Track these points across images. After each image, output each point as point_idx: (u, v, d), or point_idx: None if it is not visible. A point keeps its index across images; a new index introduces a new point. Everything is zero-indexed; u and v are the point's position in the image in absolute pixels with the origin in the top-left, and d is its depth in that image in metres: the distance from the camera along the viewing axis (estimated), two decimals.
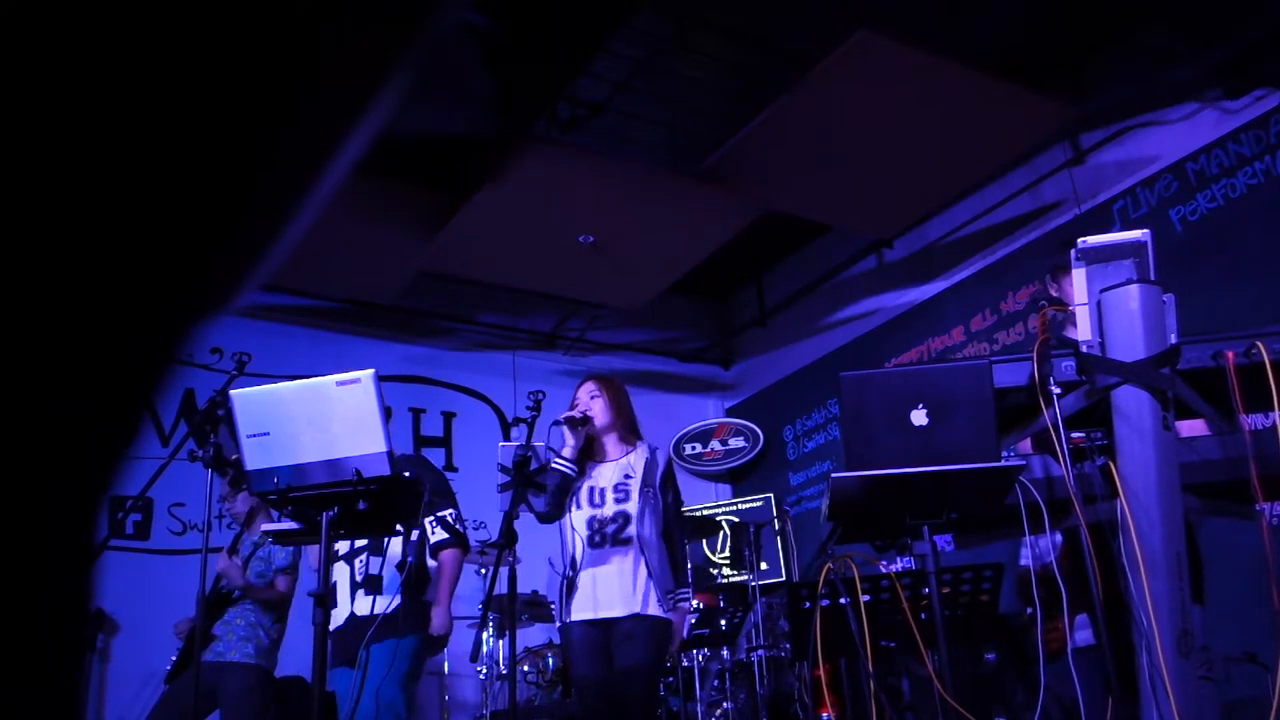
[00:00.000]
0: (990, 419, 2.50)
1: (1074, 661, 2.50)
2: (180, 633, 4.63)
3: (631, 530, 3.59)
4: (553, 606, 3.75)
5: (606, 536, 3.60)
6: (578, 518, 3.66)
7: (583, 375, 4.15)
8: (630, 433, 3.82)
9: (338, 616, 3.62)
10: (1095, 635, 2.88)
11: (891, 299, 7.04)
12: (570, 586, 3.61)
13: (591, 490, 3.69)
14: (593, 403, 3.77)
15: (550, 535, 3.97)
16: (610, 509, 3.63)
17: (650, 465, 3.74)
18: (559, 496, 3.66)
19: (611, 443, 3.78)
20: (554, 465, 3.66)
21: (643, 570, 3.56)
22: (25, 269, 0.38)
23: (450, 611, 3.95)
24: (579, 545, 3.62)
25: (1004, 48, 5.31)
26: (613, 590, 3.54)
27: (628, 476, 3.69)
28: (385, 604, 3.58)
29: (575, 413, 3.73)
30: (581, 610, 3.57)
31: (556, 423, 3.70)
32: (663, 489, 3.74)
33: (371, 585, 3.64)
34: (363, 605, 3.66)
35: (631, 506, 3.62)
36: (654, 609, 3.53)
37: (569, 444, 3.69)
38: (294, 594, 4.45)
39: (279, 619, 4.49)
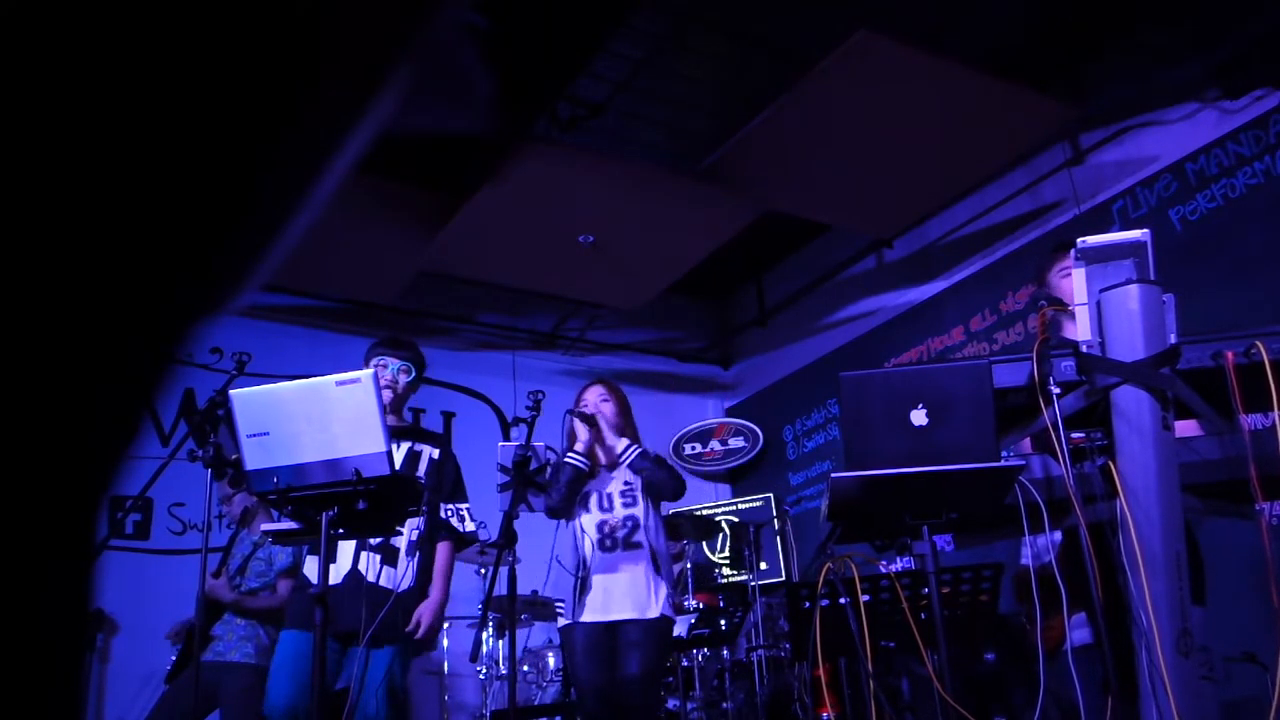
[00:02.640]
0: (990, 419, 2.50)
1: (1073, 660, 2.50)
2: (173, 638, 4.64)
3: (641, 535, 3.64)
4: (559, 605, 3.77)
5: (617, 541, 3.66)
6: (587, 521, 3.71)
7: (582, 375, 4.19)
8: (633, 439, 3.88)
9: (335, 573, 3.40)
10: (1094, 635, 2.88)
11: (891, 299, 7.04)
12: (584, 586, 3.65)
13: (600, 495, 3.74)
14: (603, 405, 3.83)
15: (551, 535, 3.98)
16: (619, 514, 3.69)
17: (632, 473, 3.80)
18: (571, 491, 3.70)
19: (617, 447, 3.83)
20: (567, 460, 3.71)
21: (651, 571, 3.60)
22: (26, 269, 0.38)
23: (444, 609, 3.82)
24: (589, 547, 3.67)
25: (1004, 48, 5.31)
26: (624, 594, 3.59)
27: (629, 482, 3.74)
28: (398, 578, 3.45)
29: (589, 410, 3.78)
30: (592, 612, 3.61)
31: (570, 413, 3.74)
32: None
33: (388, 555, 3.49)
34: (367, 567, 3.48)
35: (639, 511, 3.67)
36: (658, 608, 3.58)
37: (580, 439, 3.72)
38: None
39: (280, 618, 4.49)
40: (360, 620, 3.25)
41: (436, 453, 3.68)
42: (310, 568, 3.62)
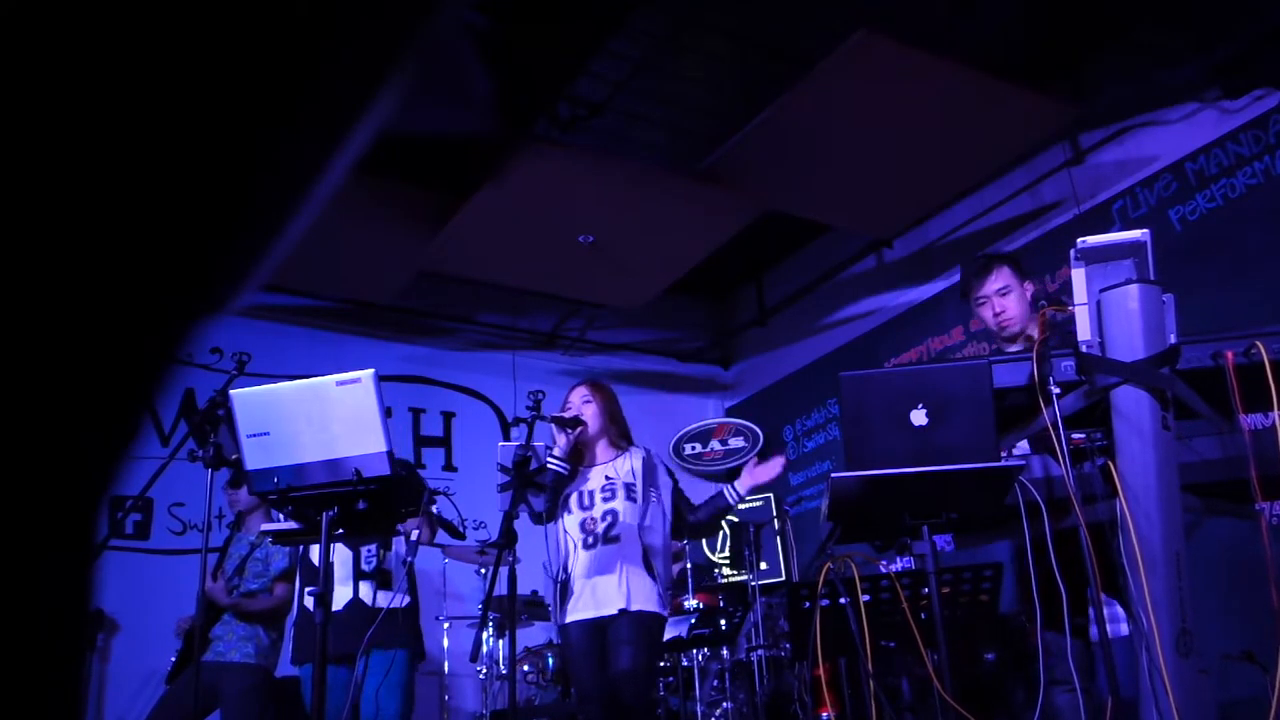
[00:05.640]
0: (990, 419, 2.50)
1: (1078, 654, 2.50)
2: (181, 631, 4.64)
3: (620, 529, 3.63)
4: (550, 607, 3.79)
5: (598, 537, 3.65)
6: (570, 522, 3.71)
7: (582, 375, 4.19)
8: (621, 438, 3.86)
9: (337, 600, 3.60)
10: (1100, 633, 2.88)
11: (891, 299, 7.04)
12: (565, 589, 3.66)
13: (581, 494, 3.74)
14: (584, 408, 3.81)
15: (551, 535, 3.99)
16: (599, 509, 3.69)
17: (649, 466, 3.77)
18: (552, 495, 3.70)
19: (601, 448, 3.83)
20: (547, 465, 3.70)
21: (638, 566, 3.59)
22: (26, 269, 0.38)
23: None
24: (573, 549, 3.67)
25: (1004, 48, 5.31)
26: (608, 588, 3.58)
27: (609, 478, 3.74)
28: (393, 600, 3.61)
29: (567, 414, 3.76)
30: (578, 611, 3.61)
31: (543, 418, 3.72)
32: (673, 490, 3.84)
33: (383, 579, 3.66)
34: (367, 593, 3.68)
35: (619, 504, 3.66)
36: (644, 603, 3.55)
37: (560, 443, 3.72)
38: (293, 599, 4.43)
39: (278, 620, 4.49)
40: (363, 642, 3.38)
41: None
42: (309, 602, 3.85)
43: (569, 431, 3.70)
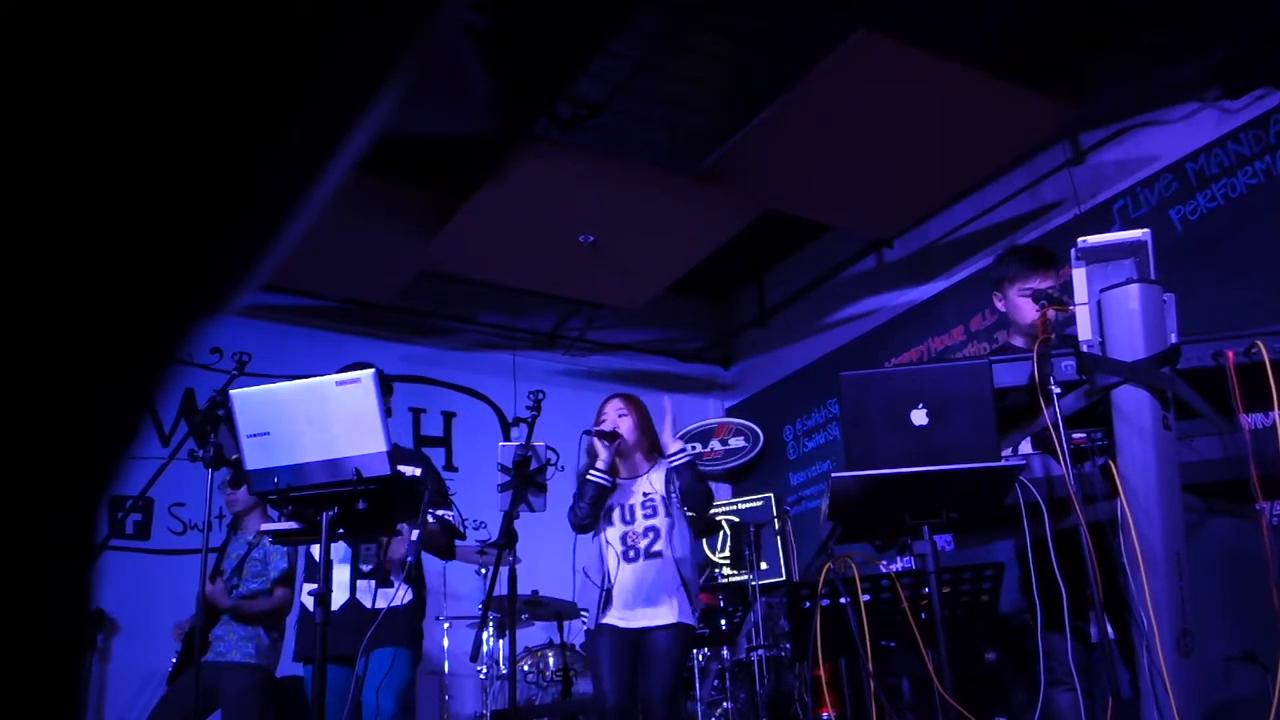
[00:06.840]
0: (990, 419, 2.50)
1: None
2: (180, 635, 4.63)
3: (661, 545, 3.71)
4: (584, 613, 3.86)
5: (640, 552, 3.74)
6: (612, 534, 3.81)
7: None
8: (653, 450, 3.92)
9: (334, 600, 3.56)
10: (1100, 633, 2.88)
11: (891, 299, 7.04)
12: (608, 598, 3.73)
13: (622, 507, 3.82)
14: (621, 420, 3.87)
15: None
16: (640, 525, 3.80)
17: (667, 477, 3.83)
18: (595, 508, 3.79)
19: (637, 460, 3.90)
20: (589, 477, 3.79)
21: (674, 581, 3.68)
22: (27, 270, 0.38)
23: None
24: (614, 559, 3.74)
25: (1004, 48, 5.31)
26: (647, 602, 3.76)
27: (648, 494, 3.82)
28: (393, 598, 3.58)
29: (606, 427, 3.83)
30: (615, 618, 3.70)
31: (588, 433, 3.81)
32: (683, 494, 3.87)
33: (383, 579, 3.63)
34: (365, 593, 3.63)
35: (659, 521, 3.75)
36: (683, 617, 3.70)
37: (602, 456, 3.78)
38: (294, 600, 4.41)
39: (279, 620, 4.49)
40: (365, 642, 3.34)
41: (418, 471, 3.69)
42: (308, 601, 3.80)
43: (609, 445, 3.77)
